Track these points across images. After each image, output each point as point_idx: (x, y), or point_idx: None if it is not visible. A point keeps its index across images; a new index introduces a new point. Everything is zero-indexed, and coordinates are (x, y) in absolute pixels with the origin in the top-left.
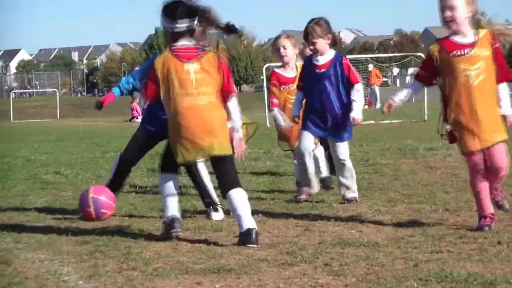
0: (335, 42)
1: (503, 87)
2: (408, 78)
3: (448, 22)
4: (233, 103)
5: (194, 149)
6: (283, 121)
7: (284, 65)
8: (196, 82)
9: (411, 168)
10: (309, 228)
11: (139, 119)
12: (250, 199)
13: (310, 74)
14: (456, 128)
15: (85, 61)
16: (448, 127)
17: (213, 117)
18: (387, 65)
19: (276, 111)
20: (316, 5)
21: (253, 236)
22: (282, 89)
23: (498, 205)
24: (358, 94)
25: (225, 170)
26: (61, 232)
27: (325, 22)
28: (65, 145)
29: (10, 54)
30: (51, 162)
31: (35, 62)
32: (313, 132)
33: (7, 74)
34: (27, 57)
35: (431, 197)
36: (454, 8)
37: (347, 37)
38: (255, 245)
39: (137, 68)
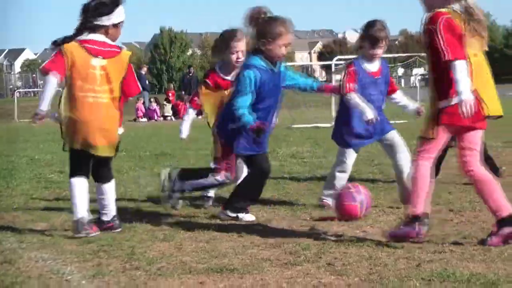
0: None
1: None
2: (412, 79)
3: None
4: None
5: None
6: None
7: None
8: (101, 78)
9: None
10: (313, 228)
11: (144, 119)
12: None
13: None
14: None
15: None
16: None
17: (110, 116)
18: (392, 65)
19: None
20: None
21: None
22: None
23: None
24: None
25: (105, 166)
26: (64, 232)
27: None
28: None
29: (15, 53)
30: (55, 162)
31: (40, 61)
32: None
33: (12, 73)
34: (31, 56)
35: (435, 197)
36: None
37: (352, 37)
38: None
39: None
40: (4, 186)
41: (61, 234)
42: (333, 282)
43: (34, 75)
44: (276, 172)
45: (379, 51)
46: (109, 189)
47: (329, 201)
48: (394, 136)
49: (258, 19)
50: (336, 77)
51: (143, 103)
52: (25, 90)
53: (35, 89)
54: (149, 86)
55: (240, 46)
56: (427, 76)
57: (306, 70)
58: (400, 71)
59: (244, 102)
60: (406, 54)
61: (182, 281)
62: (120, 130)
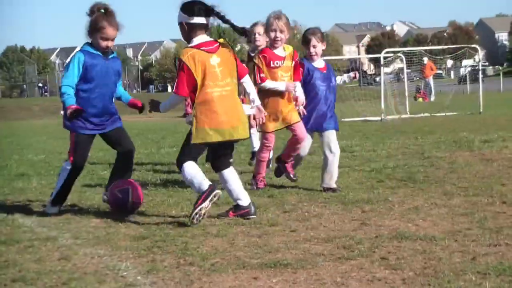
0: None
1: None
2: (462, 70)
3: None
4: (248, 79)
5: (218, 132)
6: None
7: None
8: (221, 74)
9: (467, 160)
10: (365, 222)
11: None
12: (306, 193)
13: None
14: None
15: (139, 58)
16: None
17: (237, 104)
18: (441, 57)
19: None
20: None
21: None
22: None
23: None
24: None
25: (228, 153)
26: (119, 228)
27: (320, 31)
28: None
29: (67, 51)
30: (108, 158)
31: None
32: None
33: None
34: None
35: (488, 190)
36: None
37: (400, 30)
38: (253, 216)
39: None
40: None
41: (116, 230)
42: (388, 277)
43: None
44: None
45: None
46: (230, 175)
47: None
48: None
49: (93, 13)
50: (385, 70)
51: None
52: None
53: None
54: None
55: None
56: (477, 68)
57: (354, 63)
58: (449, 62)
59: (68, 82)
60: (455, 46)
61: (236, 276)
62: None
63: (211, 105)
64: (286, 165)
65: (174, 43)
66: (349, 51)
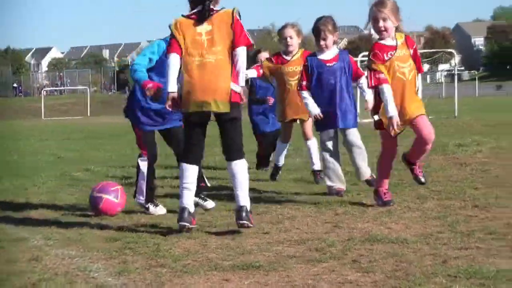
0: (336, 41)
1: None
2: (438, 74)
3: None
4: (241, 51)
5: (195, 103)
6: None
7: (287, 52)
8: (208, 42)
9: (440, 164)
10: (338, 224)
11: None
12: (279, 196)
13: (319, 70)
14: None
15: (116, 59)
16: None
17: (219, 75)
18: None
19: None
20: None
21: (244, 214)
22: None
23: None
24: (364, 82)
25: (232, 135)
26: (91, 229)
27: (332, 20)
28: (95, 142)
29: (42, 52)
30: (81, 160)
31: (66, 60)
32: (331, 127)
33: (39, 72)
34: (58, 55)
35: (461, 194)
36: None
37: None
38: (245, 222)
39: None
40: (31, 184)
41: (87, 231)
42: (359, 279)
43: (61, 74)
44: (300, 169)
45: (322, 42)
46: (239, 169)
47: (338, 186)
48: (349, 134)
49: None
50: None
51: None
52: (52, 88)
53: (62, 88)
54: None
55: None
56: (452, 72)
57: None
58: (426, 67)
59: (139, 60)
60: (432, 50)
61: (208, 278)
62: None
63: (190, 74)
64: (414, 167)
65: None
66: None
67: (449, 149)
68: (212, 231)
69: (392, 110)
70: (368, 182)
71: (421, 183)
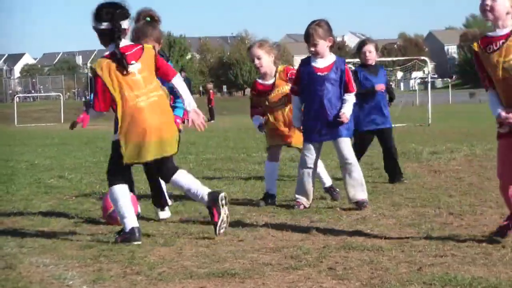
0: (333, 45)
1: None
2: (412, 82)
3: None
4: (178, 80)
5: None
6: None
7: (262, 76)
8: (144, 80)
9: (415, 171)
10: (313, 232)
11: None
12: (254, 203)
13: (309, 77)
14: None
15: (89, 65)
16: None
17: (166, 112)
18: (391, 68)
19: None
20: (320, 8)
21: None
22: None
23: None
24: (350, 98)
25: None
26: (65, 237)
27: (326, 24)
28: (69, 149)
29: (14, 58)
30: (55, 167)
31: (39, 66)
32: (315, 140)
33: (11, 78)
34: (31, 61)
35: (435, 201)
36: None
37: (351, 41)
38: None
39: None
40: (4, 191)
41: (62, 239)
42: (335, 287)
43: (33, 80)
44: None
45: (312, 49)
46: (181, 179)
47: (302, 201)
48: (341, 144)
49: (138, 20)
50: None
51: None
52: (25, 95)
53: (35, 94)
54: None
55: (253, 55)
56: (426, 80)
57: None
58: (399, 74)
59: None
60: (405, 58)
61: (183, 286)
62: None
63: (137, 118)
64: None
65: None
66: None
67: (423, 157)
68: (187, 239)
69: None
70: (357, 204)
71: None
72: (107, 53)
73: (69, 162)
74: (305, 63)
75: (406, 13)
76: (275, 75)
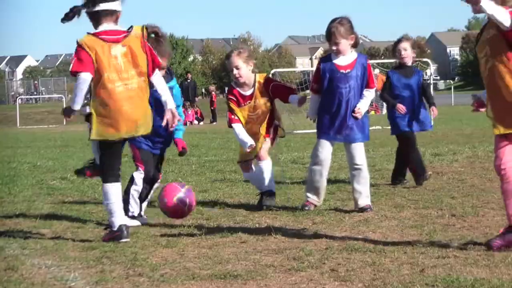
0: (356, 43)
1: None
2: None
3: None
4: (158, 76)
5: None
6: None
7: (240, 85)
8: (124, 65)
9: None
10: (316, 233)
11: None
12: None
13: (331, 75)
14: None
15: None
16: None
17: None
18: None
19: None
20: (322, 10)
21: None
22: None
23: None
24: (369, 94)
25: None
26: (67, 238)
27: (348, 22)
28: (71, 151)
29: (17, 60)
30: (57, 168)
31: (42, 68)
32: (331, 139)
33: (14, 80)
34: (33, 63)
35: (438, 203)
36: None
37: None
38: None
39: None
40: (7, 193)
41: (64, 240)
42: None
43: (35, 82)
44: (277, 178)
45: (334, 47)
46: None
47: (313, 200)
48: (349, 149)
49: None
50: None
51: None
52: (27, 97)
53: (37, 96)
54: None
55: (231, 65)
56: (428, 81)
57: (307, 76)
58: None
59: None
60: None
61: (186, 287)
62: None
63: (112, 102)
64: None
65: None
66: (302, 63)
67: (425, 158)
68: (189, 240)
69: None
70: (361, 210)
71: None
72: (94, 31)
73: (71, 163)
74: (326, 60)
75: (408, 14)
76: (254, 85)
